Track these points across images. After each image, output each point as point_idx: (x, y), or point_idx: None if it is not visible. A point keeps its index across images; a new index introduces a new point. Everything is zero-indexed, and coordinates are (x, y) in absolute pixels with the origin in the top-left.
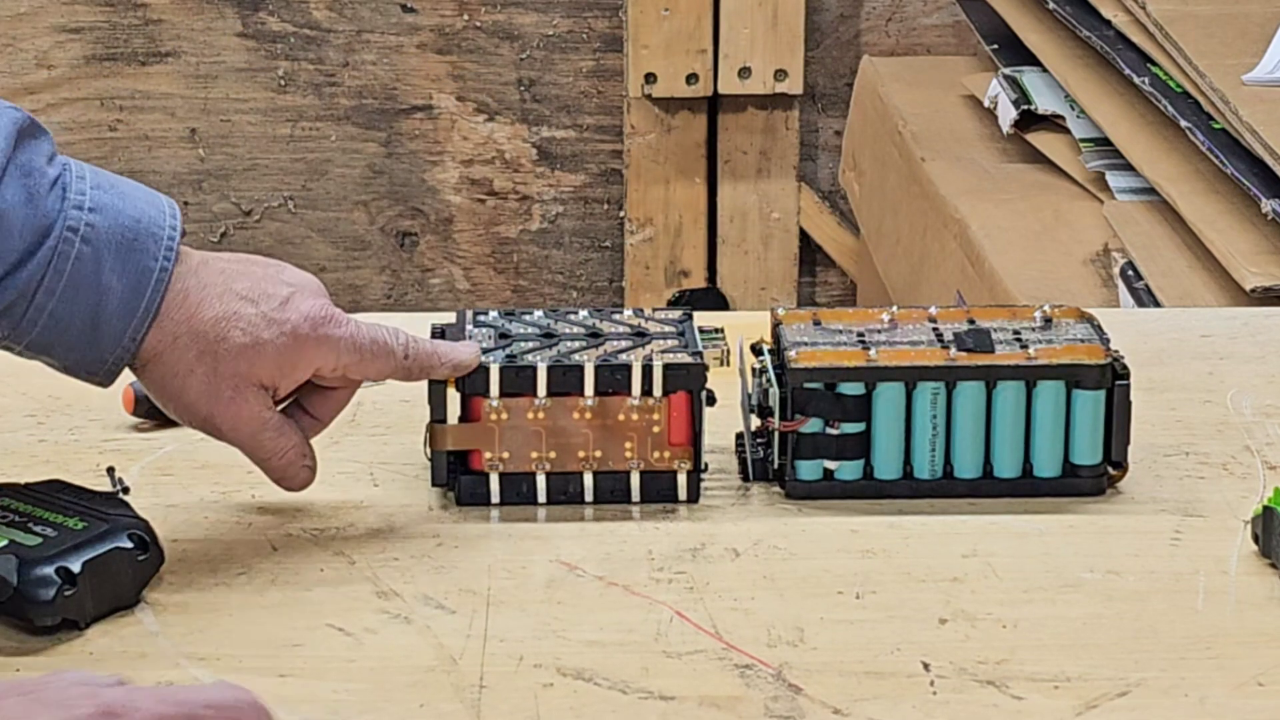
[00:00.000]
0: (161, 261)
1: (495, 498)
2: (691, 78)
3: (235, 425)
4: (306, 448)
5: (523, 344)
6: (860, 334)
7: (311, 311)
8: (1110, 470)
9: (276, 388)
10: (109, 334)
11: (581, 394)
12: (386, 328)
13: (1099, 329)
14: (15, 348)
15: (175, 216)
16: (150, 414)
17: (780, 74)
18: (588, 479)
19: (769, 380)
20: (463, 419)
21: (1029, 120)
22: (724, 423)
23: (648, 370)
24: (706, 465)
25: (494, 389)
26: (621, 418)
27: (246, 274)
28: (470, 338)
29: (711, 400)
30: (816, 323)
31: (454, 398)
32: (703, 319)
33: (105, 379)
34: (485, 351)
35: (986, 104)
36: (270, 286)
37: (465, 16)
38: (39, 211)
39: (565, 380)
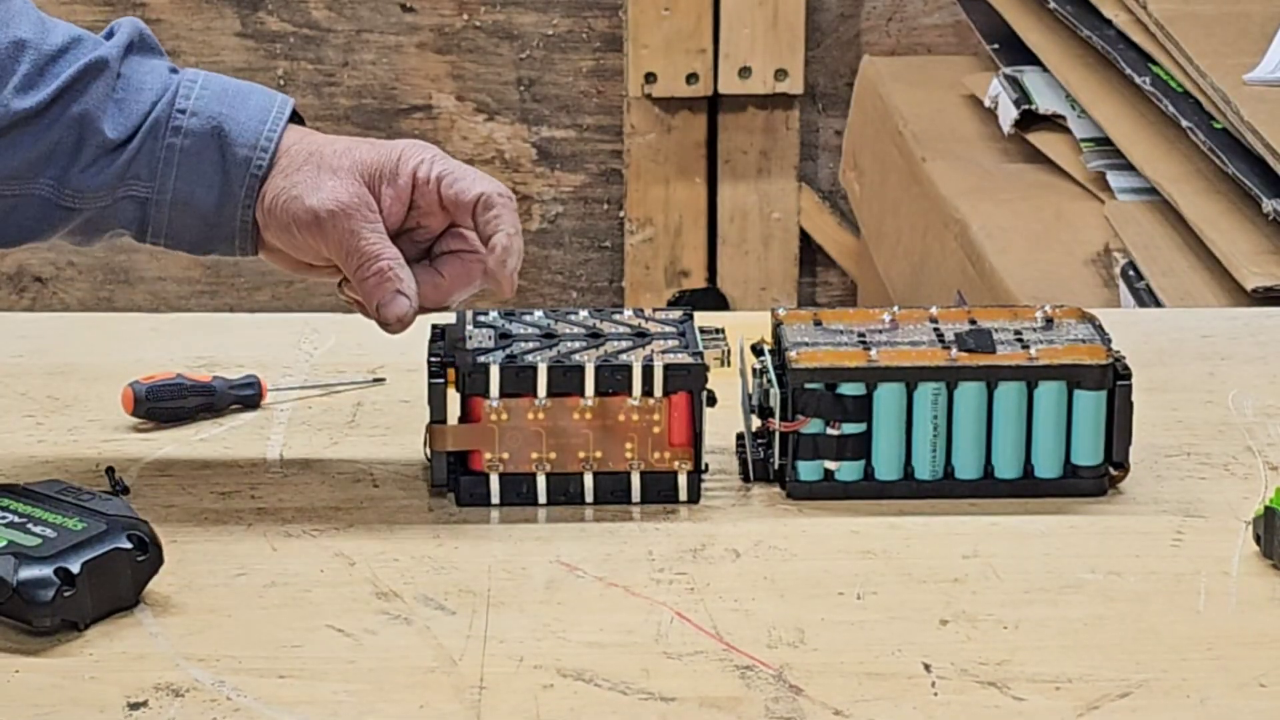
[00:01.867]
0: (278, 108)
1: (495, 498)
2: (692, 77)
3: (336, 211)
4: (406, 273)
5: (523, 344)
6: (861, 334)
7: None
8: (1111, 471)
9: (378, 193)
10: (237, 163)
11: (582, 394)
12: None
13: (1100, 329)
14: (164, 201)
15: (286, 104)
16: (150, 414)
17: (780, 74)
18: (588, 479)
19: (769, 381)
20: (463, 419)
21: (1030, 120)
22: (724, 423)
23: (648, 370)
24: (707, 466)
25: (494, 389)
26: (622, 418)
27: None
28: (470, 338)
29: (712, 401)
30: (817, 323)
31: (454, 398)
32: (703, 319)
33: (242, 224)
34: (485, 352)
35: (987, 104)
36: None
37: (465, 16)
38: (162, 78)
39: (565, 380)
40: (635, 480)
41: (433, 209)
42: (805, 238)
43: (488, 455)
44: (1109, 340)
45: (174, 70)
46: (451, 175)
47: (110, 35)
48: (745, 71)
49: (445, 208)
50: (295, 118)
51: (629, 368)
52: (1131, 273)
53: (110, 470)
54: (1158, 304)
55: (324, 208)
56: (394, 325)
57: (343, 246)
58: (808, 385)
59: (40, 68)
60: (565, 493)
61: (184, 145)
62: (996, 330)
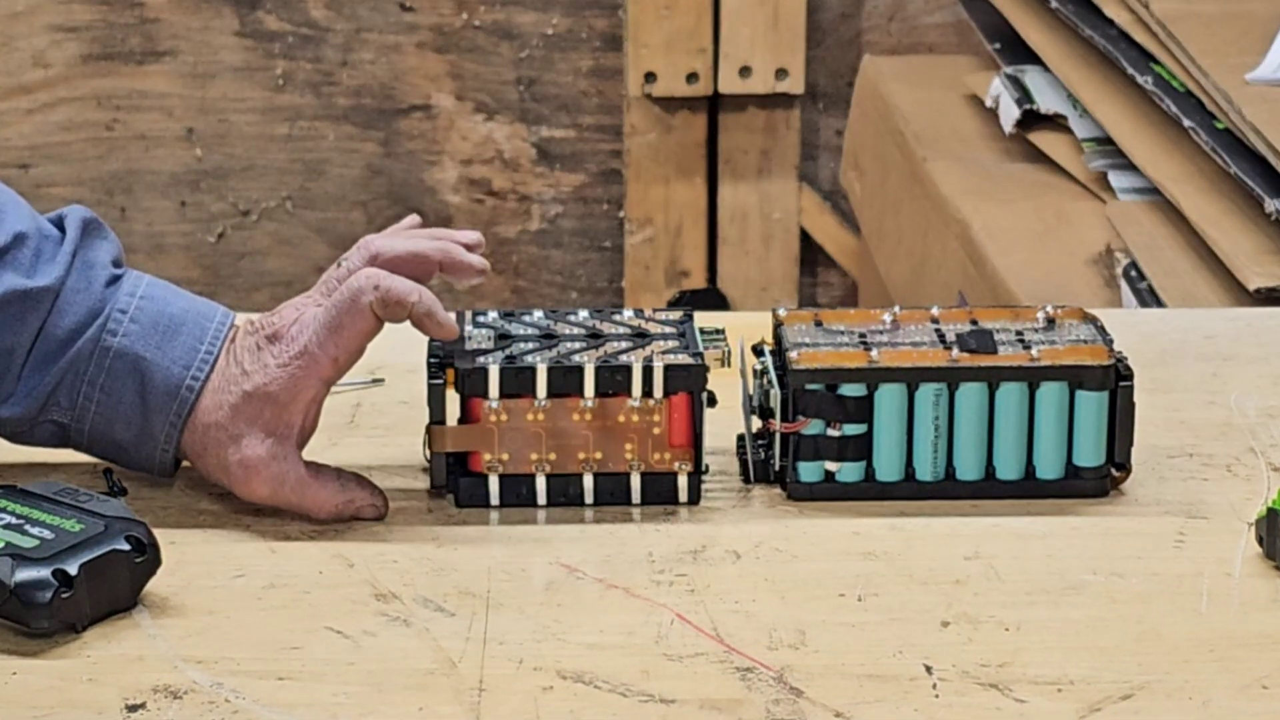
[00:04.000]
0: (206, 345)
1: (495, 500)
2: (692, 77)
3: (249, 485)
4: (349, 491)
5: (522, 345)
6: (862, 335)
7: (279, 350)
8: (1113, 472)
9: (283, 430)
10: (157, 410)
11: (581, 395)
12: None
13: (1102, 330)
14: (82, 433)
15: (228, 316)
16: None
17: (781, 73)
18: (588, 481)
19: (770, 381)
20: (462, 420)
21: (1031, 120)
22: (725, 424)
23: (648, 371)
24: (707, 467)
25: (493, 390)
26: (622, 419)
27: (240, 346)
28: (470, 339)
29: (712, 401)
30: (818, 323)
31: (453, 399)
32: (703, 319)
33: (164, 462)
34: (484, 352)
35: (988, 103)
36: (253, 347)
37: (464, 15)
38: (94, 296)
39: (565, 381)
40: (635, 481)
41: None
42: (806, 238)
43: (487, 456)
44: (1111, 341)
45: (111, 281)
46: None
47: (60, 219)
48: (745, 71)
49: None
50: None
51: (629, 368)
52: (1133, 273)
53: (108, 471)
54: (1160, 304)
55: (244, 481)
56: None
57: (281, 505)
58: (808, 386)
59: None
60: (565, 494)
61: (105, 382)
62: (998, 331)
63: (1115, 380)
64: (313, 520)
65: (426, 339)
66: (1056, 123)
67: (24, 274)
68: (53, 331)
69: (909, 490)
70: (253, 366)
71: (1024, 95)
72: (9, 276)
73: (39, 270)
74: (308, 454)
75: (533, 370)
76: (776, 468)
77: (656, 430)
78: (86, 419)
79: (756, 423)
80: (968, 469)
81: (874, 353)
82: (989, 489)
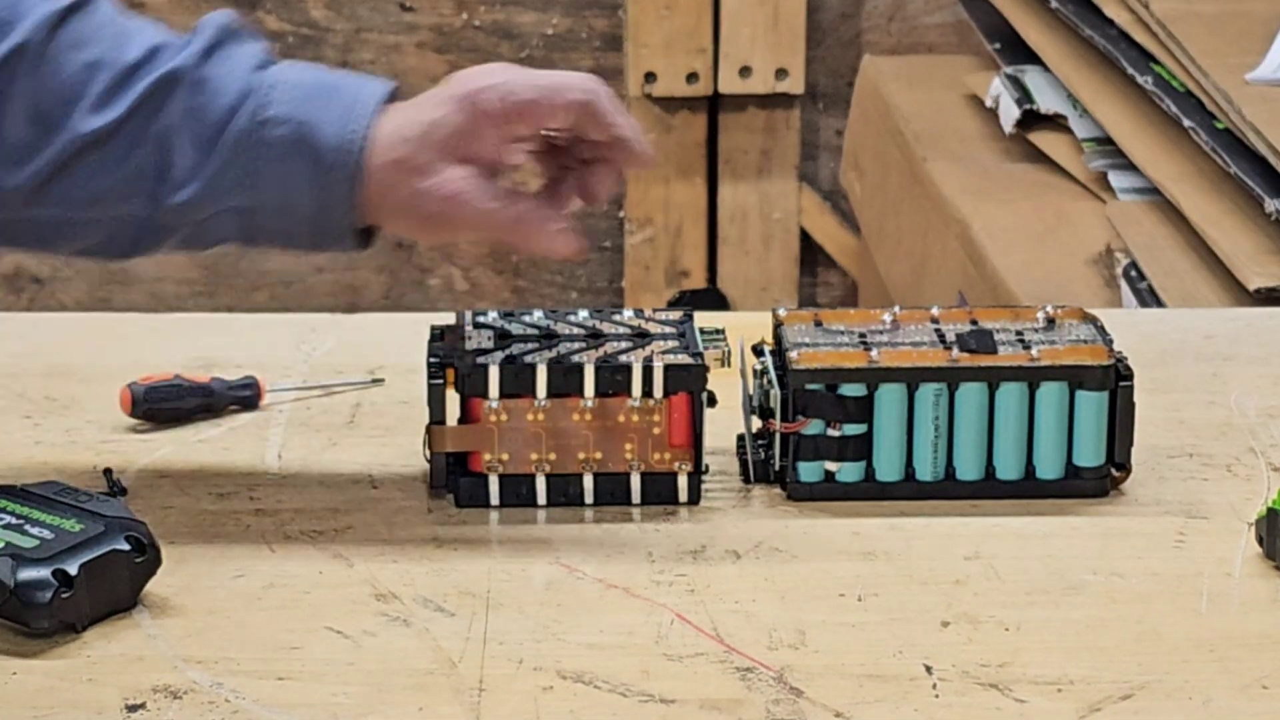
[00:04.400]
0: (366, 98)
1: (495, 500)
2: (692, 77)
3: (449, 205)
4: (548, 212)
5: (522, 345)
6: (862, 335)
7: (469, 82)
8: (1113, 472)
9: (475, 156)
10: (329, 167)
11: (581, 395)
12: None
13: (1102, 330)
14: (266, 217)
15: (388, 82)
16: (148, 415)
17: (781, 73)
18: (588, 481)
19: (770, 381)
20: (462, 420)
21: (1031, 120)
22: (725, 424)
23: (648, 371)
24: (707, 467)
25: (493, 390)
26: (622, 419)
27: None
28: (469, 339)
29: (712, 401)
30: (818, 323)
31: (453, 399)
32: (703, 319)
33: (347, 225)
34: (485, 352)
35: (988, 103)
36: (439, 90)
37: (464, 15)
38: (244, 78)
39: (565, 381)
40: (635, 481)
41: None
42: (806, 238)
43: (487, 456)
44: (1111, 341)
45: (261, 66)
46: (527, 99)
47: (196, 33)
48: (745, 71)
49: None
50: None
51: (629, 368)
52: (1133, 273)
53: (108, 471)
54: (1160, 304)
55: (432, 209)
56: (575, 256)
57: (472, 228)
58: (808, 386)
59: (113, 88)
60: (565, 494)
61: (270, 155)
62: (998, 331)
63: (1115, 380)
64: (507, 240)
65: (427, 340)
66: (1056, 123)
67: (159, 66)
68: (208, 113)
69: (909, 490)
70: (436, 95)
71: (1024, 95)
72: (146, 72)
73: (171, 59)
74: (308, 452)
75: (533, 370)
76: (776, 468)
77: (656, 430)
78: (263, 195)
79: (756, 423)
80: (968, 469)
81: (874, 353)
82: (989, 489)
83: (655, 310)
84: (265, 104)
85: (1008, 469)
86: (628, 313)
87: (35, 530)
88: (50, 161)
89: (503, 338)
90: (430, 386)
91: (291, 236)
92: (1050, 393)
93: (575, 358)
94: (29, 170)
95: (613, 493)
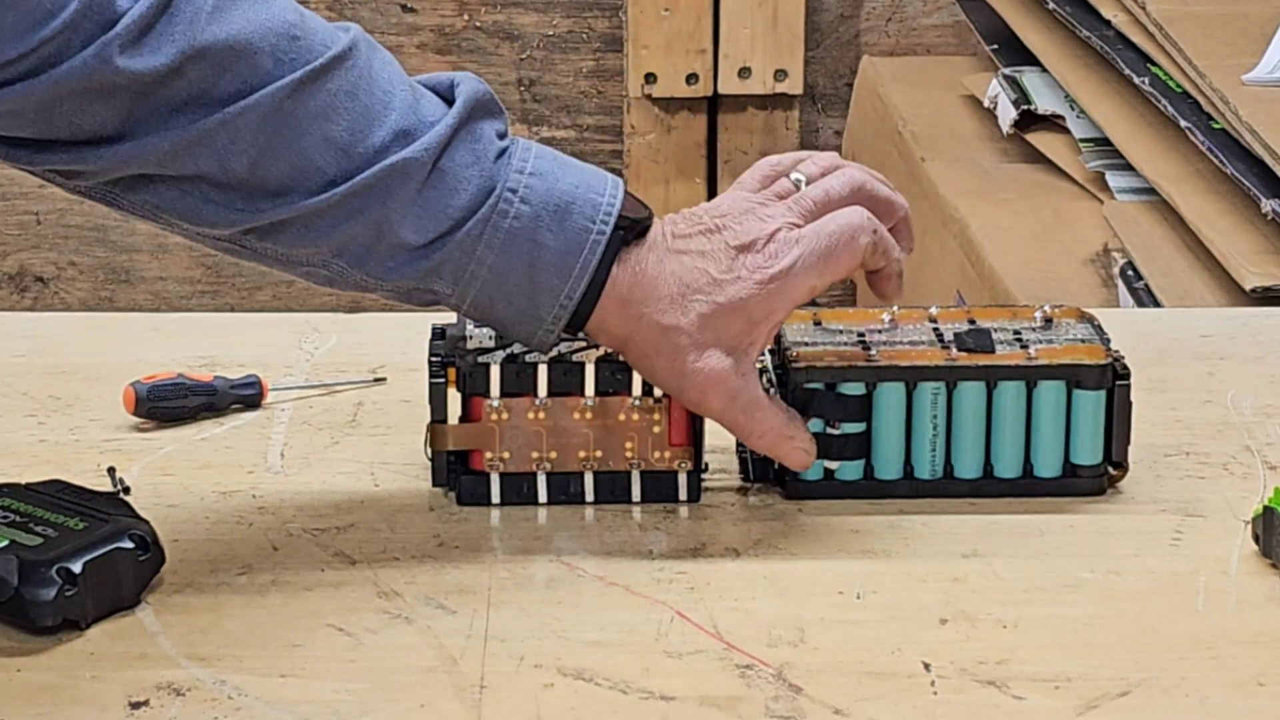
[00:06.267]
0: (599, 225)
1: (496, 498)
2: (691, 78)
3: (704, 397)
4: (793, 429)
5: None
6: (861, 334)
7: (758, 264)
8: (1110, 470)
9: (745, 346)
10: (545, 290)
11: (582, 394)
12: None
13: (1099, 329)
14: (461, 305)
15: (618, 189)
16: (151, 414)
17: (780, 74)
18: (588, 479)
19: (770, 380)
20: (463, 419)
21: (1029, 120)
22: None
23: None
24: (707, 465)
25: (494, 389)
26: (622, 417)
27: (696, 247)
28: (470, 338)
29: None
30: (817, 323)
31: (454, 397)
32: None
33: (544, 340)
34: (486, 351)
35: (986, 104)
36: (719, 252)
37: (465, 16)
38: (484, 173)
39: (566, 380)
40: (635, 480)
41: None
42: None
43: (488, 455)
44: (1108, 340)
45: (500, 154)
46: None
47: (449, 92)
48: (745, 72)
49: None
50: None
51: (629, 367)
52: (1130, 272)
53: (112, 470)
54: (1156, 304)
55: (698, 401)
56: (799, 469)
57: (725, 422)
58: (808, 385)
59: (345, 166)
60: (565, 492)
61: (493, 262)
62: (996, 330)
63: (1112, 379)
64: (744, 444)
65: (428, 339)
66: (1054, 123)
67: (397, 152)
68: (439, 207)
69: (908, 489)
70: (724, 275)
71: (1022, 96)
72: (382, 157)
73: (411, 144)
74: (310, 451)
75: (534, 369)
76: (776, 466)
77: (656, 429)
78: (468, 296)
79: None
80: (966, 467)
81: (873, 352)
82: (987, 487)
83: None
84: (505, 212)
85: (1006, 467)
86: None
87: (39, 528)
88: (257, 218)
89: (504, 337)
90: (432, 385)
91: (487, 322)
92: (1048, 392)
93: (576, 356)
94: (235, 215)
95: (613, 491)
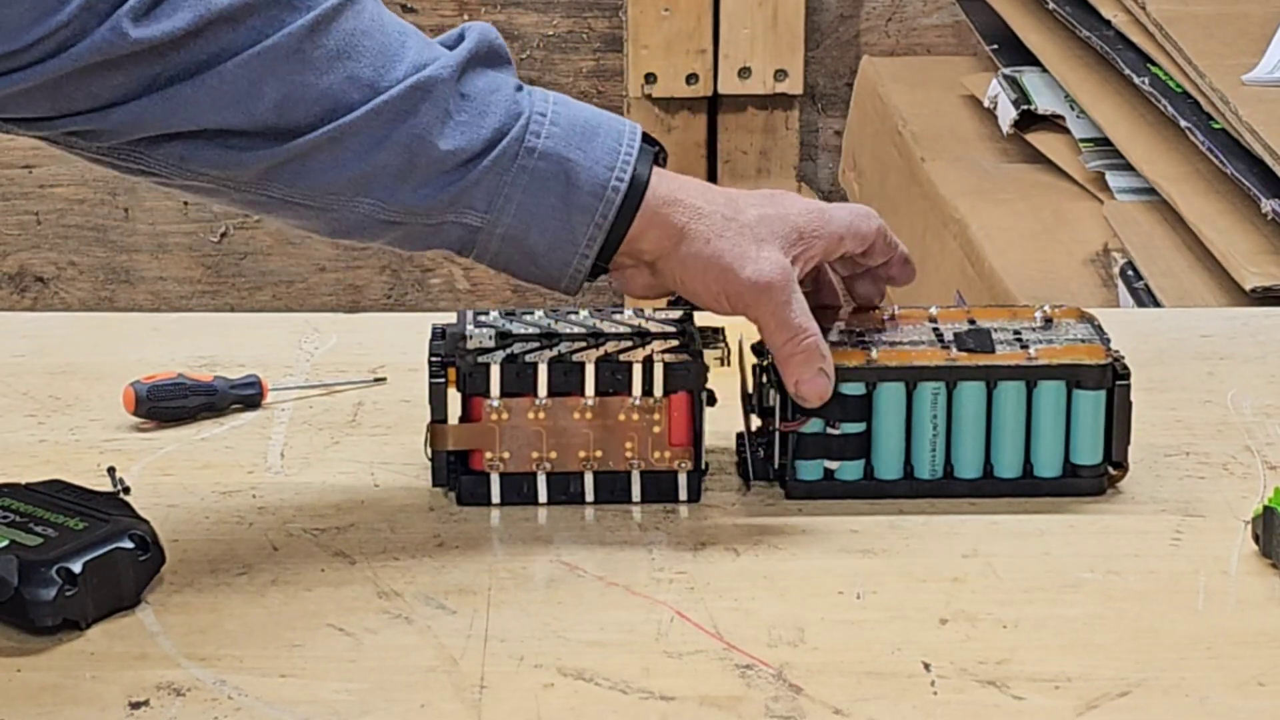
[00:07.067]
0: (627, 144)
1: (496, 498)
2: (691, 78)
3: (768, 289)
4: (826, 349)
5: (523, 344)
6: (861, 334)
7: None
8: (1110, 470)
9: (795, 256)
10: (580, 210)
11: (582, 394)
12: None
13: (1099, 329)
14: (492, 238)
15: (636, 128)
16: (151, 414)
17: (780, 74)
18: (588, 479)
19: (769, 380)
20: (463, 419)
21: (1029, 120)
22: (724, 423)
23: (648, 370)
24: (707, 465)
25: (494, 389)
26: (622, 417)
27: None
28: (471, 338)
29: (712, 400)
30: None
31: (455, 397)
32: (703, 319)
33: (578, 270)
34: (486, 351)
35: (986, 104)
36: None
37: (465, 17)
38: (508, 99)
39: (566, 380)
40: (635, 480)
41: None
42: None
43: (488, 455)
44: (1108, 340)
45: (519, 88)
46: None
47: (459, 39)
48: (745, 72)
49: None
50: (647, 144)
51: (629, 367)
52: (1130, 272)
53: (112, 470)
54: (1156, 304)
55: (760, 280)
56: (811, 401)
57: (770, 319)
58: None
59: (368, 98)
60: (565, 492)
61: (527, 184)
62: (995, 330)
63: (1112, 379)
64: (778, 349)
65: (428, 339)
66: (1054, 123)
67: (415, 73)
68: (471, 129)
69: (908, 488)
70: (766, 199)
71: (1021, 96)
72: (402, 80)
73: (428, 67)
74: (310, 451)
75: (534, 369)
76: (776, 466)
77: (656, 429)
78: (500, 224)
79: (756, 421)
80: (966, 467)
81: (873, 352)
82: (987, 487)
83: (655, 310)
84: (535, 133)
85: (1006, 467)
86: (628, 312)
87: (39, 528)
88: (287, 153)
89: (504, 337)
90: (432, 385)
91: (510, 262)
92: (1048, 392)
93: (576, 357)
94: (262, 156)
95: (613, 491)
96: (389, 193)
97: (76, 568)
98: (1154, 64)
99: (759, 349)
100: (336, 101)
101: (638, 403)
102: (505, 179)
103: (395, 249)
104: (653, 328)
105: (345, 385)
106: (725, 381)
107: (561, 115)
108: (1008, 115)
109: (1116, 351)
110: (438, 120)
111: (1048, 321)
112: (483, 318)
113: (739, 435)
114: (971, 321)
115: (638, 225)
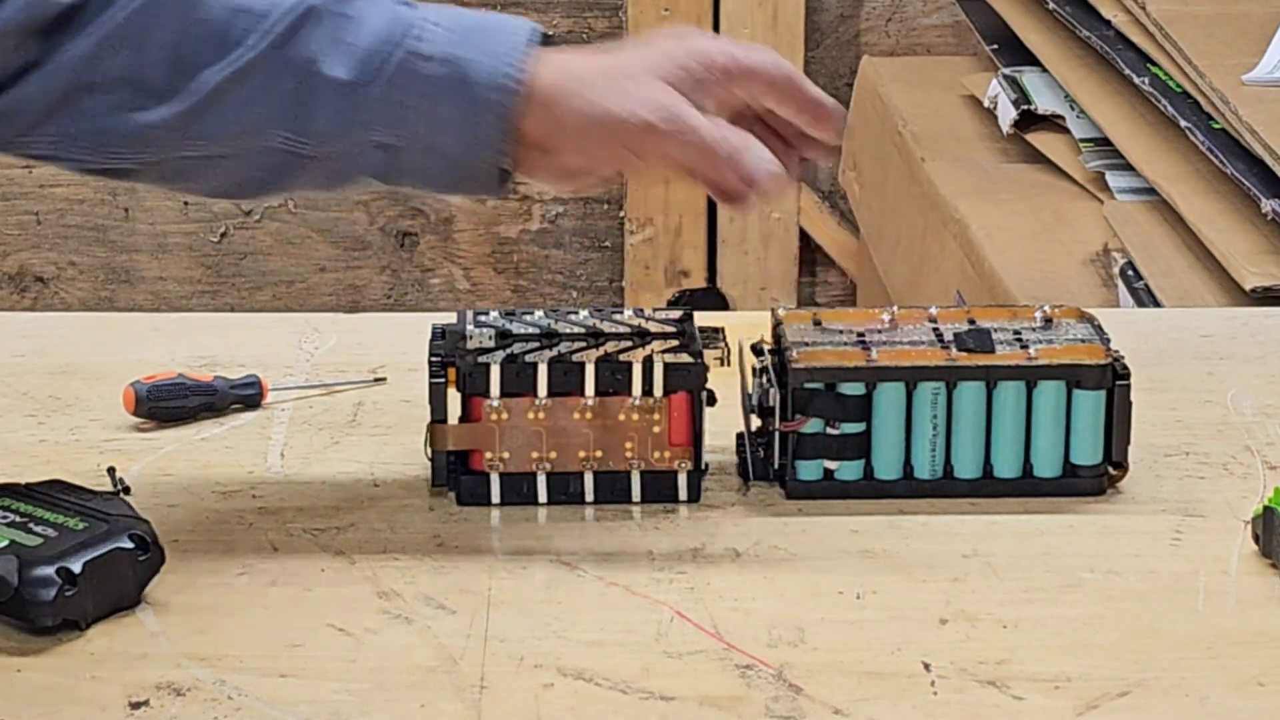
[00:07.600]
0: (522, 37)
1: (496, 498)
2: None
3: (642, 125)
4: (750, 140)
5: (523, 344)
6: (860, 334)
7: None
8: (1110, 470)
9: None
10: (485, 106)
11: (582, 394)
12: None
13: (1099, 329)
14: (413, 154)
15: (533, 24)
16: (151, 414)
17: None
18: (588, 479)
19: (769, 380)
20: (463, 419)
21: (1029, 120)
22: (724, 423)
23: (648, 370)
24: (707, 465)
25: (494, 389)
26: (622, 418)
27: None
28: (470, 338)
29: (712, 400)
30: (817, 323)
31: (454, 397)
32: (703, 319)
33: (493, 164)
34: (486, 351)
35: (986, 104)
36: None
37: None
38: (394, 13)
39: (566, 380)
40: (635, 480)
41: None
42: (805, 238)
43: (488, 455)
44: (1108, 340)
45: (407, 4)
46: (738, 54)
47: None
48: None
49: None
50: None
51: (629, 367)
52: (1130, 272)
53: (112, 470)
54: (1156, 304)
55: (637, 114)
56: (769, 186)
57: (676, 150)
58: (807, 385)
59: (254, 28)
60: (565, 492)
61: (422, 91)
62: (995, 330)
63: (1112, 379)
64: (706, 169)
65: (428, 339)
66: (1054, 123)
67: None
68: (356, 44)
69: (907, 488)
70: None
71: (1021, 96)
72: (287, 9)
73: None
74: (310, 451)
75: (534, 369)
76: (775, 466)
77: (656, 429)
78: (409, 132)
79: (756, 422)
80: (966, 467)
81: (873, 352)
82: (987, 487)
83: (655, 310)
84: (419, 39)
85: (1006, 467)
86: (628, 312)
87: (39, 528)
88: (193, 101)
89: (504, 337)
90: (432, 385)
91: (432, 176)
92: (1048, 392)
93: (576, 357)
94: (171, 110)
95: (613, 491)
96: (298, 123)
97: (76, 568)
98: (1154, 64)
99: (759, 349)
100: (226, 34)
101: (638, 403)
102: (404, 88)
103: (320, 192)
104: (653, 328)
105: (345, 385)
106: (725, 381)
107: (452, 19)
108: (1008, 115)
109: (1116, 351)
110: (327, 42)
111: (1048, 321)
112: (483, 318)
113: (739, 435)
114: (971, 321)
115: (535, 111)
